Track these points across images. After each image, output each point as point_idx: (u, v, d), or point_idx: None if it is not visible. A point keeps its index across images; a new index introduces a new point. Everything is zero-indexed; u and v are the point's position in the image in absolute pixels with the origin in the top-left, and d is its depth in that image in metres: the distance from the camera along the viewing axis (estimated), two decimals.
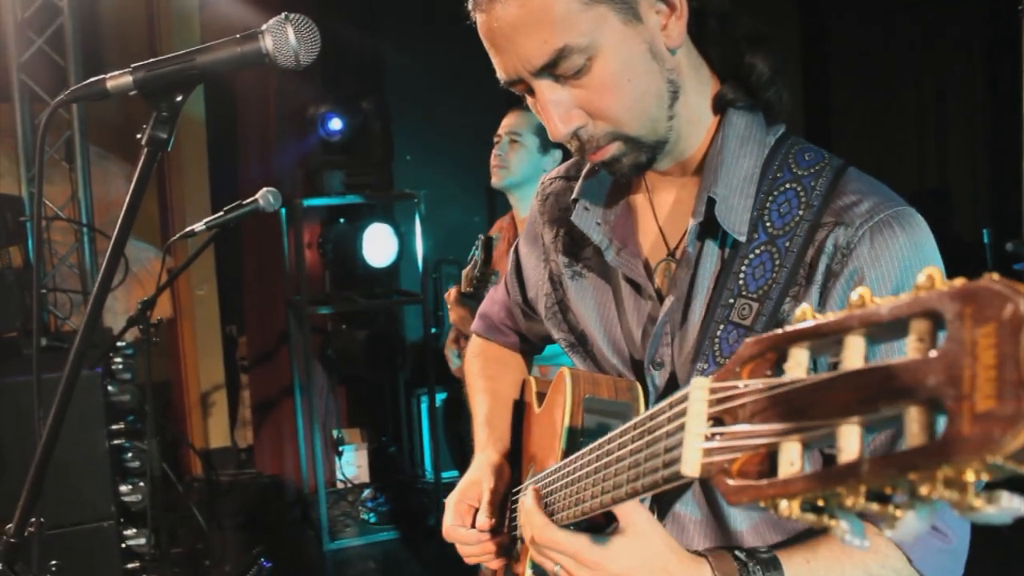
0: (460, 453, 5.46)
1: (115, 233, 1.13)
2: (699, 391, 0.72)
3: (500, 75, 1.21)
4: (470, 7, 1.18)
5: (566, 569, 1.08)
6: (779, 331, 0.64)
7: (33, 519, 1.34)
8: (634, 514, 1.05)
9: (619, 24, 1.12)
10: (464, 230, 3.40)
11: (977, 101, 4.97)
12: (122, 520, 3.62)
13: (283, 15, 1.10)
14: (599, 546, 1.04)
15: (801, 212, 1.16)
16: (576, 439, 1.25)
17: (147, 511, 3.53)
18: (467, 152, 5.72)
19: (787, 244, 1.15)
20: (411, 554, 4.96)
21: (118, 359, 3.97)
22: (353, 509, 5.32)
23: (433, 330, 5.33)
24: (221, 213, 2.58)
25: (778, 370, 0.64)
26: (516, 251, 1.66)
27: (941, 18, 4.85)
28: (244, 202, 2.57)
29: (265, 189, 2.61)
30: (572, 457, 1.10)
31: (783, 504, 0.60)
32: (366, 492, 5.45)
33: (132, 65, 1.08)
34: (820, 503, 0.59)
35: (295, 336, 5.18)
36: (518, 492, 1.48)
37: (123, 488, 3.67)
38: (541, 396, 1.52)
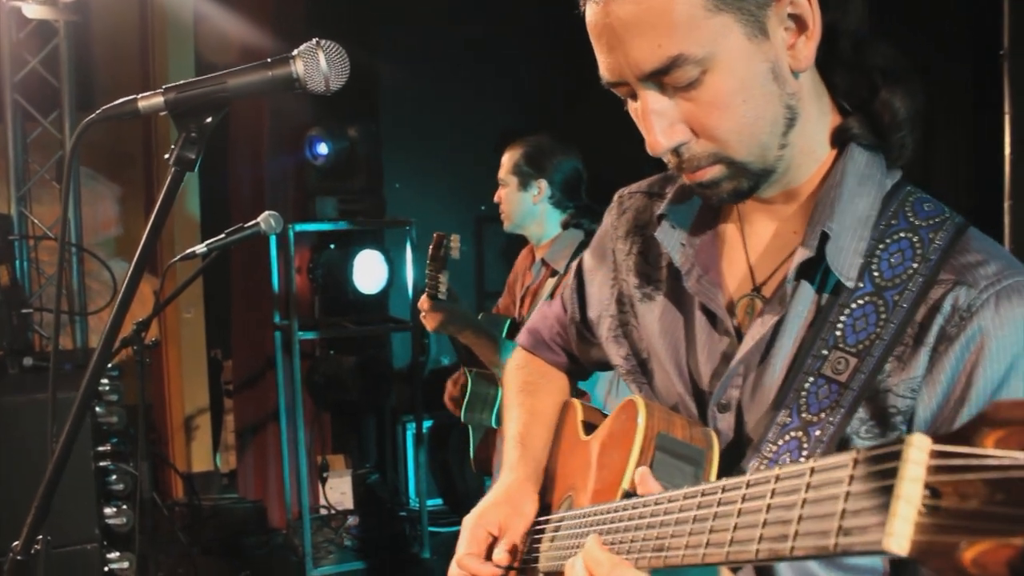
0: (445, 481, 5.44)
1: (139, 251, 1.14)
2: (917, 451, 0.59)
3: (603, 74, 1.10)
4: None
5: None
6: None
7: (40, 537, 1.34)
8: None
9: (742, 38, 1.02)
10: (452, 258, 3.41)
11: (961, 146, 5.02)
12: (105, 544, 3.58)
13: (314, 41, 1.11)
14: None
15: (916, 265, 1.05)
16: None
17: (135, 534, 3.50)
18: (458, 181, 5.75)
19: (896, 298, 1.05)
20: None
21: (104, 380, 3.94)
22: (337, 536, 5.28)
23: (422, 358, 5.33)
24: (223, 235, 2.59)
25: None
26: (580, 267, 1.54)
27: (922, 56, 4.92)
28: (246, 225, 2.59)
29: (267, 213, 2.62)
30: (653, 497, 0.99)
31: None
32: (350, 519, 5.42)
33: (164, 87, 1.10)
34: None
35: (282, 361, 5.16)
36: (544, 523, 1.37)
37: (107, 511, 3.64)
38: (587, 425, 1.42)
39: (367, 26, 5.39)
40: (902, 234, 1.07)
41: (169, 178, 1.12)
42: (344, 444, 5.94)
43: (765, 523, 0.76)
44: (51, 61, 4.92)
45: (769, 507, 0.76)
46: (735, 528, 0.81)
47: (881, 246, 1.07)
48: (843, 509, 0.66)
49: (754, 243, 1.22)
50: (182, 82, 1.10)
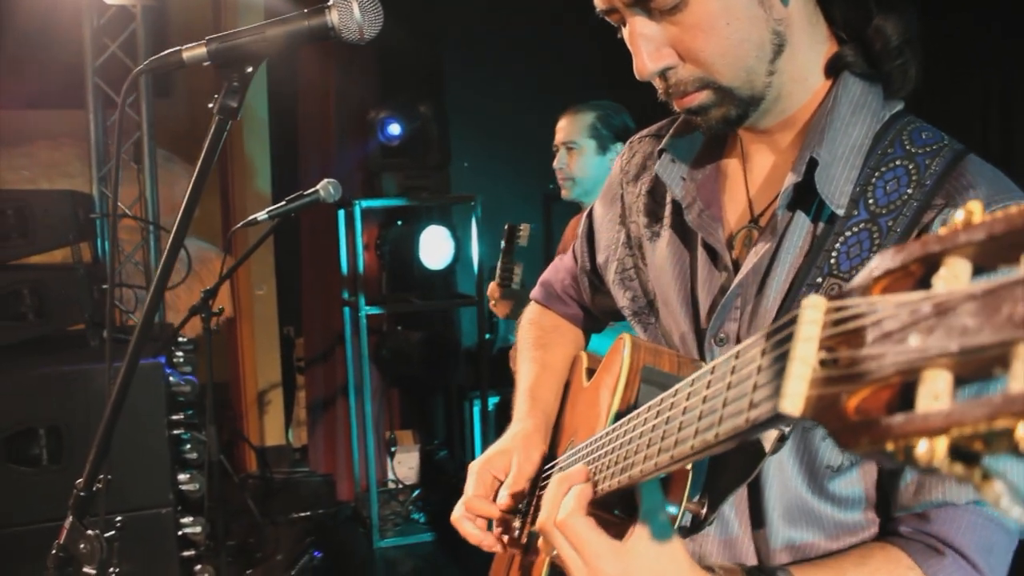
0: None
1: (186, 197, 1.18)
2: (812, 310, 0.58)
3: (596, 1, 1.12)
4: None
5: (565, 559, 1.00)
6: (933, 235, 0.51)
7: (101, 476, 1.40)
8: (651, 516, 0.96)
9: None
10: (522, 246, 3.46)
11: None
12: (179, 508, 3.72)
13: None
14: (608, 546, 0.96)
15: (910, 191, 1.04)
16: (628, 410, 1.09)
17: (204, 499, 3.62)
18: (525, 159, 5.77)
19: (890, 223, 1.03)
20: (458, 555, 4.99)
21: (179, 353, 4.08)
22: (403, 509, 5.37)
23: (488, 336, 5.37)
24: (283, 203, 2.66)
25: (924, 287, 0.51)
26: (590, 215, 1.54)
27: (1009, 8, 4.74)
28: (305, 192, 2.65)
29: (326, 180, 2.69)
30: (623, 420, 0.99)
31: (922, 447, 0.46)
32: (416, 493, 5.51)
33: (207, 37, 1.14)
34: (977, 447, 0.44)
35: (350, 336, 5.26)
36: (549, 469, 1.36)
37: (181, 477, 3.77)
38: (591, 372, 1.42)
39: (433, 5, 5.43)
40: (898, 162, 1.06)
41: (213, 126, 1.17)
42: (412, 420, 6.03)
43: (701, 415, 0.76)
44: (129, 46, 5.07)
45: (705, 399, 0.76)
46: (680, 428, 0.80)
47: (877, 174, 1.07)
48: (754, 383, 0.66)
49: (754, 176, 1.22)
50: (224, 33, 1.15)
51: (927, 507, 1.04)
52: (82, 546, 1.35)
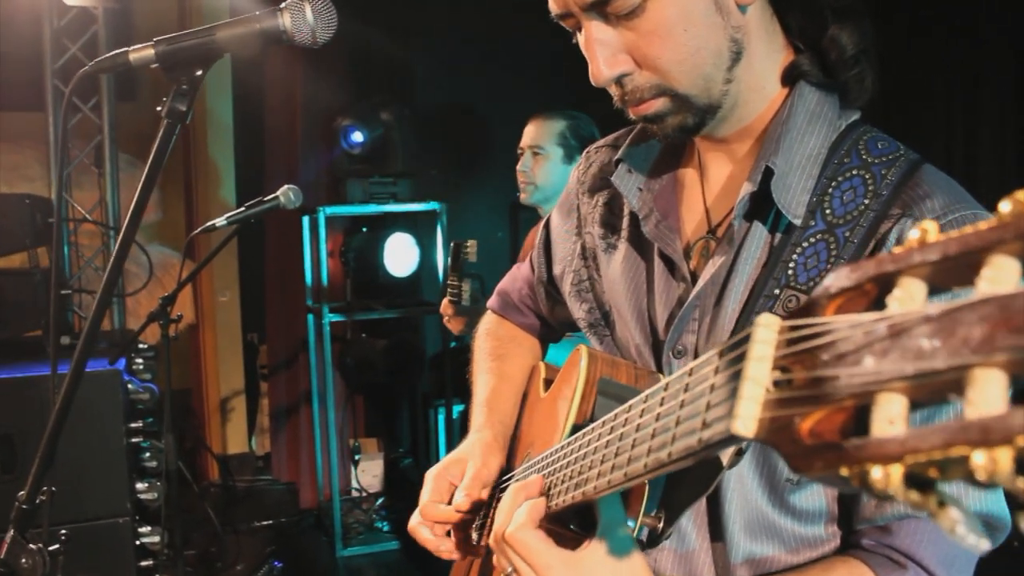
0: None
1: (133, 202, 1.16)
2: (766, 330, 0.57)
3: (550, 6, 1.11)
4: None
5: (518, 571, 0.99)
6: (888, 254, 0.49)
7: (45, 487, 1.37)
8: (610, 531, 0.95)
9: None
10: (487, 245, 3.43)
11: (1009, 94, 4.83)
12: (138, 518, 3.65)
13: None
14: (560, 558, 0.95)
15: (867, 201, 1.03)
16: (584, 423, 1.08)
17: (162, 508, 3.56)
18: (493, 167, 5.75)
19: (847, 234, 1.02)
20: (422, 564, 4.96)
21: (139, 360, 4.02)
22: (367, 517, 5.33)
23: (453, 344, 5.34)
24: (243, 208, 2.63)
25: (878, 307, 0.50)
26: (547, 225, 1.53)
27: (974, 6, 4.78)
28: (265, 198, 2.63)
29: (286, 186, 2.66)
30: (578, 434, 0.98)
31: (876, 473, 0.44)
32: (380, 501, 5.46)
33: (155, 39, 1.12)
34: (932, 474, 0.43)
35: (315, 344, 5.21)
36: (506, 481, 1.35)
37: (140, 486, 3.71)
38: (548, 383, 1.41)
39: (401, 11, 5.41)
40: (854, 171, 1.06)
41: (162, 131, 1.14)
42: (376, 428, 5.99)
43: (654, 433, 0.74)
44: (90, 48, 5.00)
45: (659, 416, 0.75)
46: (633, 445, 0.79)
47: (833, 184, 1.06)
48: (707, 402, 0.65)
49: (711, 186, 1.20)
50: (172, 35, 1.12)
51: (889, 519, 1.04)
52: (24, 561, 1.31)
